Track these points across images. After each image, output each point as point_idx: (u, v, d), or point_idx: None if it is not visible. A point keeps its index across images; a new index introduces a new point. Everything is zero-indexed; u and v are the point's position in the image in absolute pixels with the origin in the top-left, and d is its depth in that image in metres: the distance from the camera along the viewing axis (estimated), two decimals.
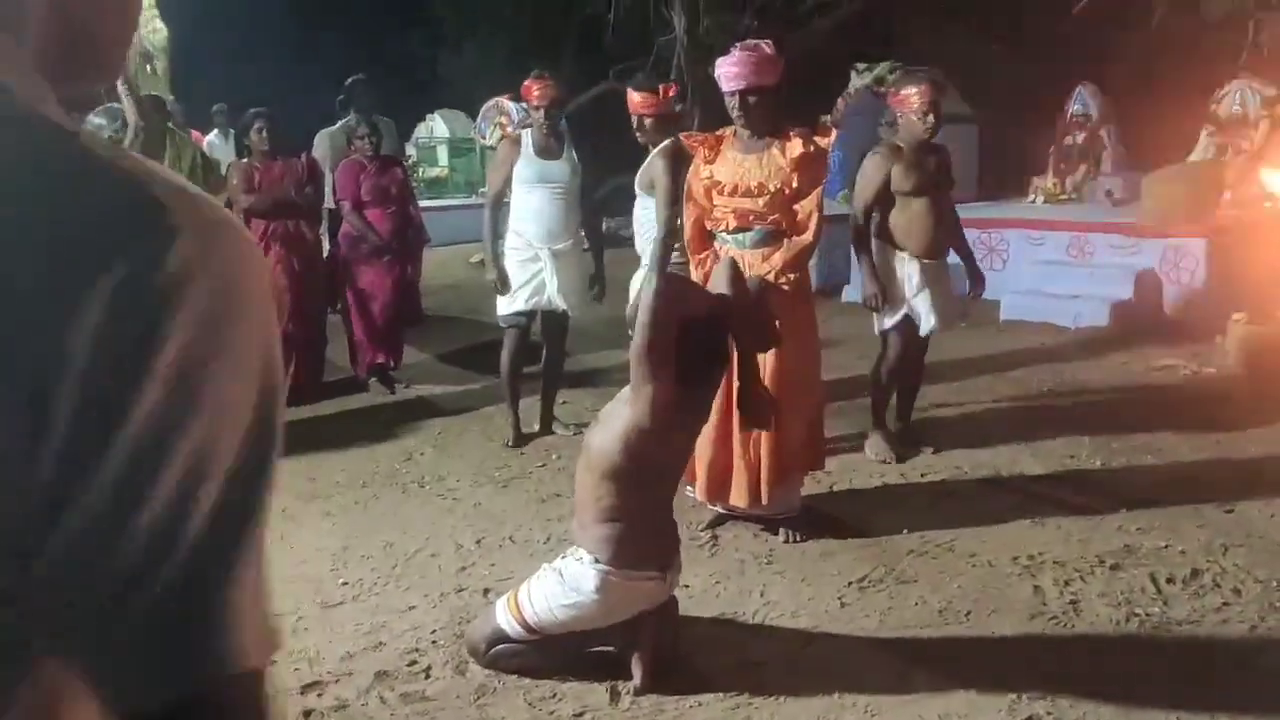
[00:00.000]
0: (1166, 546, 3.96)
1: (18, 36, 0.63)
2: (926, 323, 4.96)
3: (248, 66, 15.88)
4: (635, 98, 4.97)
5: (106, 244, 0.56)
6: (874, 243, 5.00)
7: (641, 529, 3.02)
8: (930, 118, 4.84)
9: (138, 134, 5.90)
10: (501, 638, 3.12)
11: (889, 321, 5.05)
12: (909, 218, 4.95)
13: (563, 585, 3.01)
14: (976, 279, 5.12)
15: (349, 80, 8.37)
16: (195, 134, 10.73)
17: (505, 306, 5.42)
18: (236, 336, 0.60)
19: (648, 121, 4.95)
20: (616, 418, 3.01)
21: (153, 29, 11.81)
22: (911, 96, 4.89)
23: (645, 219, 4.95)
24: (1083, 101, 9.79)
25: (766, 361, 4.04)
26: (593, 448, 3.04)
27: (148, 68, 11.82)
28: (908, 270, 4.95)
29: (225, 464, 0.60)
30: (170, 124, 7.17)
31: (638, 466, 2.97)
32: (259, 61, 17.29)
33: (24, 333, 0.54)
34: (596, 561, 2.97)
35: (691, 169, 4.35)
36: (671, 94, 5.03)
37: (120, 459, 0.55)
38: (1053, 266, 8.42)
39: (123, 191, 0.58)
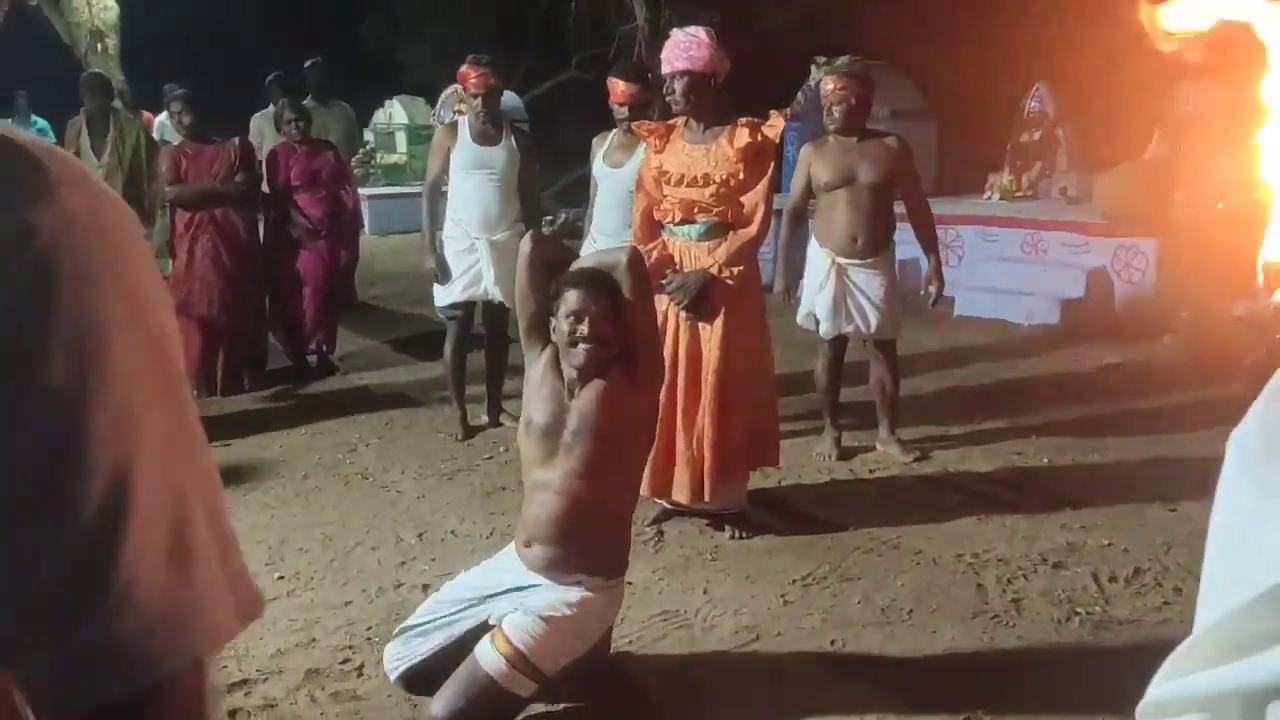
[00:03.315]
0: (1109, 545, 3.96)
1: None
2: (824, 324, 4.88)
3: (201, 49, 15.64)
4: (620, 86, 4.93)
5: None
6: (803, 238, 4.98)
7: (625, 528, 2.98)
8: (836, 110, 4.75)
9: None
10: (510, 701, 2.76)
11: (799, 317, 5.03)
12: (825, 212, 4.89)
13: (570, 621, 2.79)
14: (933, 277, 4.98)
15: (307, 63, 8.24)
16: (146, 115, 10.53)
17: (442, 297, 5.35)
18: (125, 286, 0.60)
19: (626, 111, 4.89)
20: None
21: (104, 6, 11.58)
22: (825, 88, 4.84)
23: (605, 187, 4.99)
24: (1039, 99, 9.82)
25: (711, 356, 4.01)
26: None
27: (99, 46, 11.61)
28: (817, 267, 4.89)
29: (136, 424, 0.59)
30: (117, 103, 7.01)
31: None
32: (216, 43, 17.03)
33: None
34: (582, 582, 2.83)
35: (643, 158, 4.31)
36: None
37: (37, 426, 0.54)
38: (1006, 264, 8.45)
39: (2, 152, 0.58)
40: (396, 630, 2.96)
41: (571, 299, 2.79)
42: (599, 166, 5.03)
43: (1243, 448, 0.75)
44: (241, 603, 0.65)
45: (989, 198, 9.41)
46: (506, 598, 2.83)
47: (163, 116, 11.13)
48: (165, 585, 0.60)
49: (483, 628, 2.82)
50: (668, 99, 4.07)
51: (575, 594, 2.80)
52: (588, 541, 2.83)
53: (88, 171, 0.61)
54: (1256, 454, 0.74)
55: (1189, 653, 0.78)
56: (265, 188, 6.58)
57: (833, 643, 3.32)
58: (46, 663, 0.57)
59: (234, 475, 4.77)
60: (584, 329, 2.77)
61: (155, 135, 8.30)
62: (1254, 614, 0.69)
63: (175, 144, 6.49)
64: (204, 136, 6.31)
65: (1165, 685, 0.75)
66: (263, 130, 8.16)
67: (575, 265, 2.99)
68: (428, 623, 2.88)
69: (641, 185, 4.25)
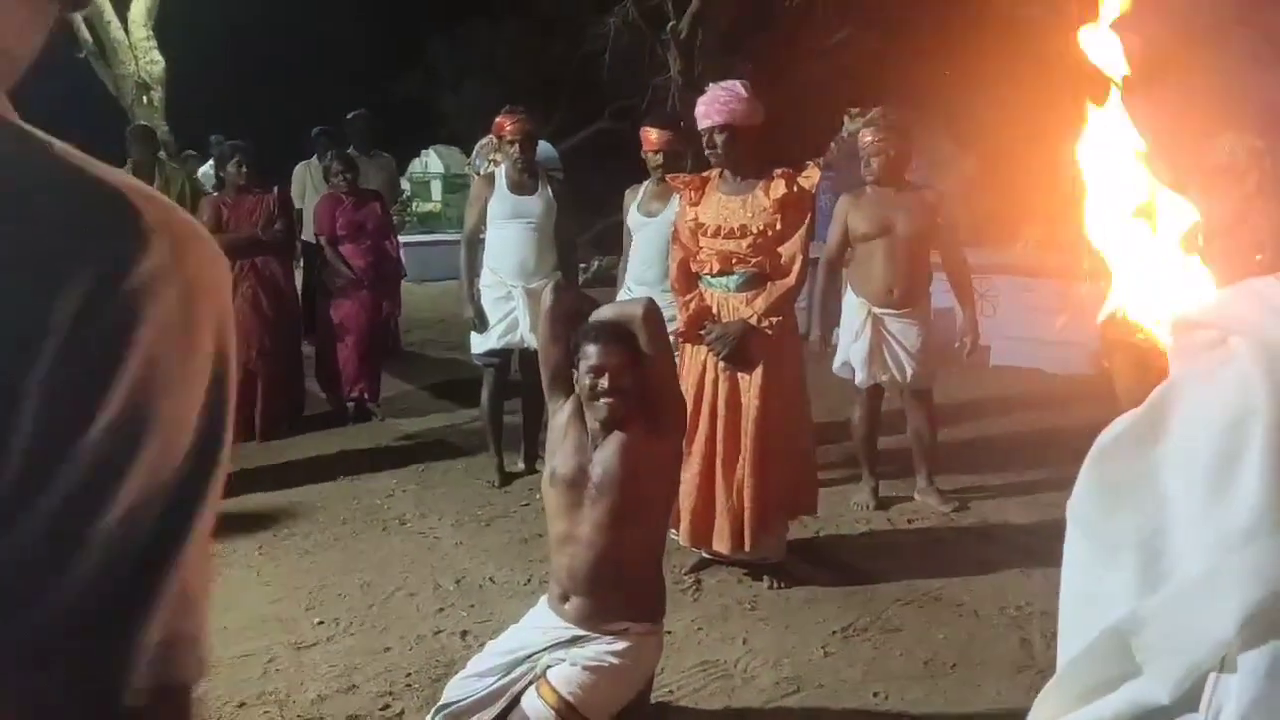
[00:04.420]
0: None
1: None
2: (860, 374, 4.88)
3: (245, 101, 15.96)
4: (653, 134, 5.00)
5: (82, 246, 0.57)
6: (838, 287, 4.99)
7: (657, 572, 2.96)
8: (875, 161, 4.76)
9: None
10: None
11: (834, 366, 5.03)
12: (861, 263, 4.89)
13: (615, 669, 2.77)
14: (968, 329, 4.95)
15: (350, 115, 8.40)
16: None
17: (479, 345, 5.40)
18: (198, 343, 0.61)
19: (660, 158, 4.96)
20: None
21: (151, 60, 11.90)
22: (863, 140, 4.87)
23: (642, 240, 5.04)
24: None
25: (750, 406, 4.01)
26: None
27: (144, 98, 11.90)
28: (852, 316, 4.90)
29: (173, 472, 0.60)
30: (161, 154, 7.16)
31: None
32: (257, 96, 17.38)
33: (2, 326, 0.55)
34: (624, 630, 2.81)
35: (678, 210, 4.34)
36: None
37: (85, 463, 0.56)
38: (1042, 313, 8.41)
39: (99, 195, 0.60)
40: (434, 711, 2.90)
41: (591, 353, 2.81)
42: (634, 217, 5.08)
43: (1080, 512, 0.89)
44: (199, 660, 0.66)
45: (1024, 246, 9.39)
46: (548, 653, 2.82)
47: (206, 166, 11.39)
48: (175, 615, 0.62)
49: (528, 684, 2.80)
50: (707, 153, 4.09)
51: (620, 643, 2.79)
52: (621, 589, 2.82)
53: (183, 219, 0.63)
54: (1094, 513, 0.86)
55: (1049, 699, 0.87)
56: (307, 237, 6.68)
57: (875, 695, 3.28)
58: (78, 672, 0.58)
59: (272, 520, 4.80)
60: (604, 383, 2.79)
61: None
62: (1098, 657, 0.77)
63: (215, 194, 6.63)
64: (249, 188, 6.44)
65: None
66: (305, 179, 8.31)
67: (594, 316, 2.99)
68: (466, 697, 2.83)
69: (677, 237, 4.27)
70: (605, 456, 2.82)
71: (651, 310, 2.89)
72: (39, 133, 0.62)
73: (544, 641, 2.82)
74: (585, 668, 2.73)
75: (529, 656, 2.82)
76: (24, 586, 0.56)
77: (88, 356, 0.56)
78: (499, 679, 2.80)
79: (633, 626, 2.81)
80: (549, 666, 2.77)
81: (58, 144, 0.62)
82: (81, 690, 0.58)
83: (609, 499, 2.79)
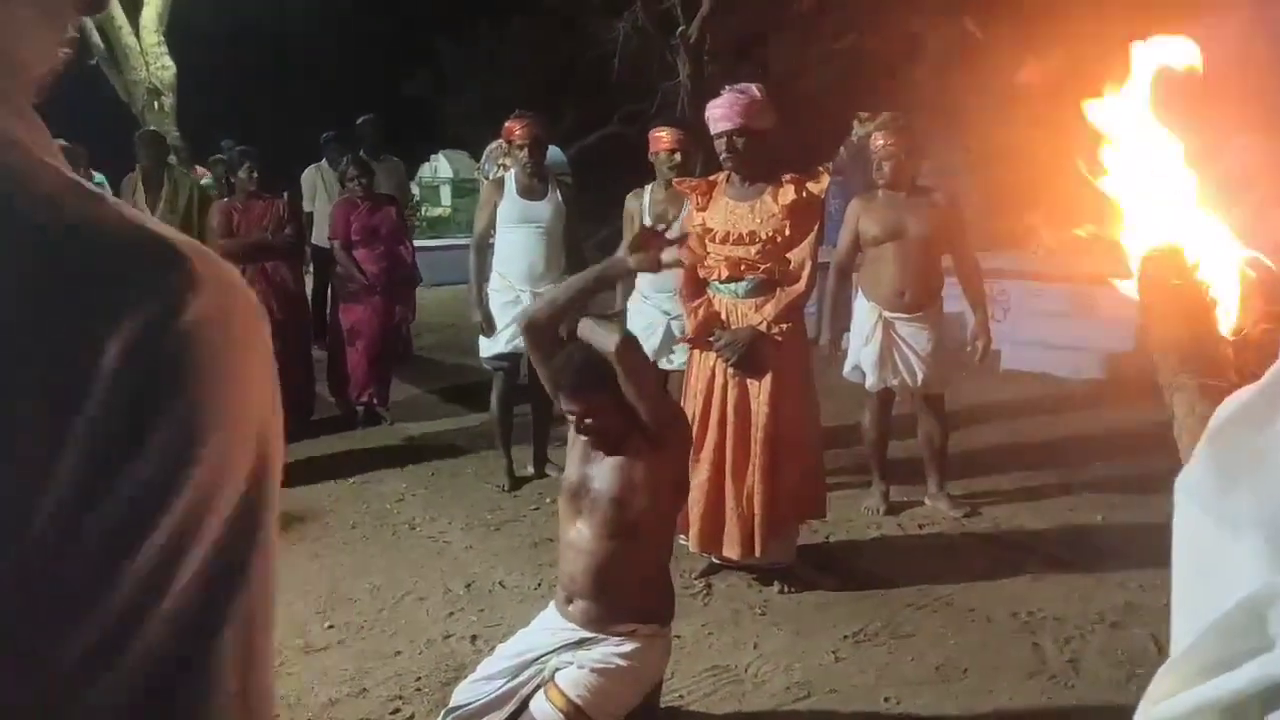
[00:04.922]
0: (1168, 604, 3.85)
1: (18, 81, 0.64)
2: (870, 377, 4.87)
3: (254, 106, 16.01)
4: (666, 135, 5.01)
5: (129, 291, 0.57)
6: (849, 291, 4.98)
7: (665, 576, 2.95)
8: (886, 165, 4.76)
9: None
10: None
11: (844, 370, 5.02)
12: (872, 266, 4.88)
13: (623, 672, 2.77)
14: (979, 333, 4.92)
15: (359, 120, 8.42)
16: (197, 168, 10.78)
17: (487, 349, 5.41)
18: (243, 393, 0.61)
19: (677, 158, 4.96)
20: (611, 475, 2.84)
21: (162, 65, 11.94)
22: (874, 144, 4.86)
23: None
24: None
25: (760, 412, 4.00)
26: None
27: (155, 104, 11.94)
28: (863, 320, 4.89)
29: (216, 528, 0.59)
30: (171, 159, 7.18)
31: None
32: (265, 102, 17.44)
33: (41, 376, 0.55)
34: (631, 632, 2.80)
35: (685, 215, 4.33)
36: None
37: (120, 510, 0.55)
38: (1053, 318, 8.39)
39: (145, 242, 0.60)
40: (443, 715, 2.89)
41: (561, 399, 2.80)
42: (645, 221, 5.06)
43: (1195, 488, 0.87)
44: None
45: (1035, 251, 9.36)
46: (555, 656, 2.81)
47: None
48: (230, 691, 0.61)
49: (536, 688, 2.80)
50: (723, 157, 4.07)
51: (627, 644, 2.78)
52: (624, 593, 2.81)
53: (229, 270, 0.63)
54: (1211, 491, 0.84)
55: (1168, 676, 0.85)
56: (318, 241, 6.68)
57: (886, 700, 3.27)
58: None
59: (282, 524, 4.78)
60: (579, 424, 2.79)
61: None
62: (1226, 631, 0.77)
63: (226, 200, 6.65)
64: (260, 193, 6.46)
65: (1150, 709, 0.81)
66: (315, 183, 8.33)
67: (573, 345, 2.90)
68: (475, 701, 2.83)
69: (684, 243, 4.25)
70: (603, 472, 2.81)
71: (625, 347, 2.79)
72: (76, 175, 0.62)
73: (552, 643, 2.82)
74: (593, 670, 2.72)
75: (537, 659, 2.81)
76: (49, 639, 0.55)
77: (133, 403, 0.56)
78: (507, 682, 2.79)
79: (639, 628, 2.80)
80: (557, 670, 2.77)
81: (93, 189, 0.62)
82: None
83: (605, 513, 2.78)
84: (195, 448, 0.58)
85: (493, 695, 2.78)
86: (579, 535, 2.81)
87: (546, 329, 2.91)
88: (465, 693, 2.82)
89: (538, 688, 2.77)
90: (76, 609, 0.56)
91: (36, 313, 0.56)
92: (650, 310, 5.08)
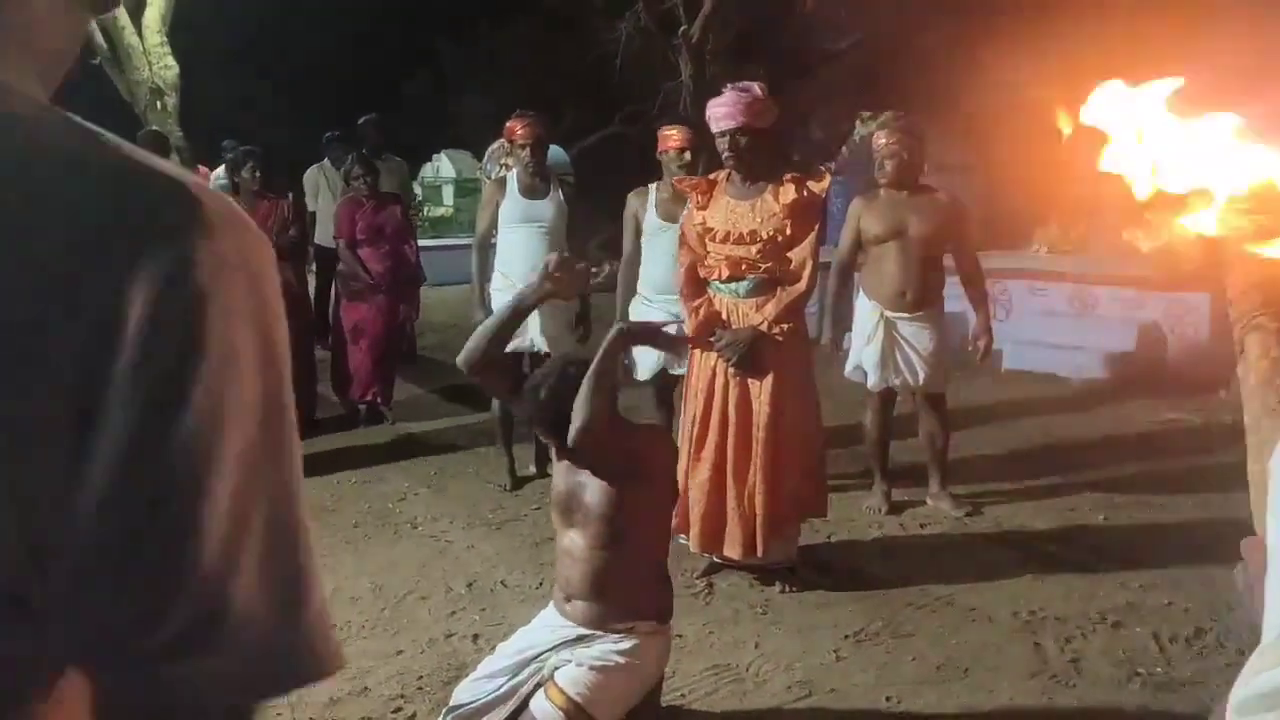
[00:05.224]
0: (1170, 604, 3.88)
1: (33, 55, 0.66)
2: (872, 377, 4.86)
3: (257, 106, 16.02)
4: (675, 134, 5.01)
5: (154, 232, 0.59)
6: (850, 290, 4.98)
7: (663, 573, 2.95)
8: (889, 164, 4.75)
9: None
10: None
11: (846, 370, 5.02)
12: (874, 265, 4.88)
13: (623, 669, 2.77)
14: (981, 333, 4.91)
15: (362, 119, 8.42)
16: (202, 169, 10.79)
17: None
18: (261, 325, 0.64)
19: (687, 156, 4.96)
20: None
21: (164, 65, 11.95)
22: (877, 143, 4.86)
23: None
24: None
25: (761, 412, 4.00)
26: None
27: (158, 104, 11.95)
28: (865, 320, 4.88)
29: (250, 427, 0.62)
30: (174, 158, 7.19)
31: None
32: (268, 101, 17.45)
33: (74, 319, 0.56)
34: (630, 629, 2.80)
35: (685, 215, 4.33)
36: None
37: (170, 458, 0.57)
38: (1055, 318, 8.39)
39: (166, 186, 0.62)
40: (444, 714, 2.90)
41: (539, 434, 2.81)
42: (651, 221, 5.06)
43: None
44: (332, 655, 0.66)
45: (1036, 251, 9.35)
46: (554, 654, 2.81)
47: (218, 172, 11.43)
48: (273, 623, 0.62)
49: (536, 686, 2.80)
50: (725, 156, 4.06)
51: (626, 642, 2.79)
52: (623, 593, 2.81)
53: (239, 211, 0.65)
54: None
55: (1265, 653, 0.84)
56: (321, 241, 6.69)
57: (887, 700, 3.27)
58: (146, 687, 0.59)
59: None
60: (558, 453, 2.81)
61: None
62: None
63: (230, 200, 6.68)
64: (263, 193, 6.46)
65: (1256, 681, 0.79)
66: (318, 183, 8.33)
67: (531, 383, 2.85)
68: (476, 700, 2.82)
69: (684, 241, 4.26)
70: (591, 485, 2.80)
71: (610, 346, 2.80)
72: (90, 125, 0.64)
73: (551, 641, 2.82)
74: (592, 668, 2.73)
75: (536, 657, 2.82)
76: (97, 589, 0.57)
77: (167, 344, 0.57)
78: (508, 680, 2.80)
79: (638, 625, 2.80)
80: (556, 668, 2.77)
81: (109, 136, 0.64)
82: (154, 696, 0.60)
83: (595, 526, 2.79)
84: (231, 383, 0.60)
85: (493, 694, 2.78)
86: (572, 544, 2.82)
87: (482, 372, 2.90)
88: (466, 691, 2.82)
89: (538, 686, 2.78)
90: (121, 568, 0.58)
91: (68, 256, 0.57)
92: (657, 314, 5.06)
